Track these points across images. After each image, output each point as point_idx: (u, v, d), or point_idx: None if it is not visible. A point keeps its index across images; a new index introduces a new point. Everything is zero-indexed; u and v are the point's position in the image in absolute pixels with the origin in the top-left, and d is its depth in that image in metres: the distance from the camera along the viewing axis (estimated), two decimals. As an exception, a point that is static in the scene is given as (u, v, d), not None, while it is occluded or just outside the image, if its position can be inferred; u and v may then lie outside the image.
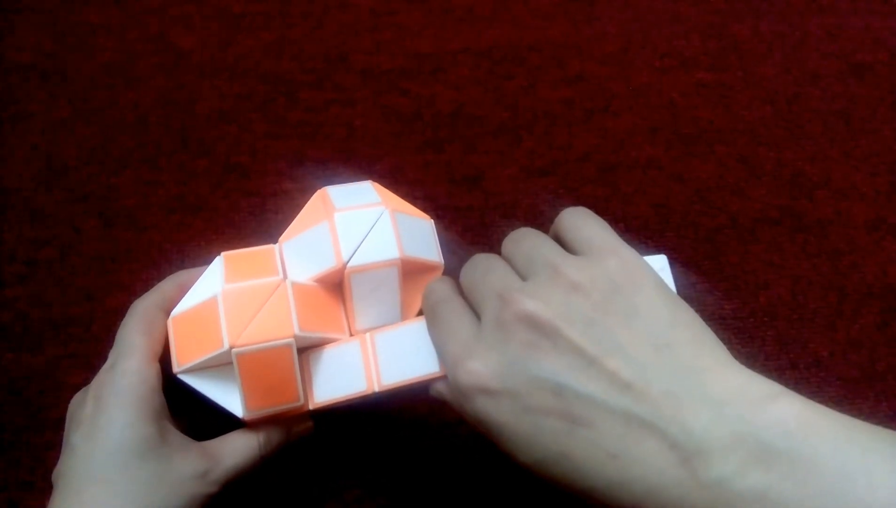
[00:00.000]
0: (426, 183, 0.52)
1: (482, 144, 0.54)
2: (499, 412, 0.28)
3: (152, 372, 0.33)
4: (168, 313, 0.35)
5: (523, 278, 0.30)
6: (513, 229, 0.34)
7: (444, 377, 0.32)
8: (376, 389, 0.34)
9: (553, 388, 0.27)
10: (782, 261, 0.50)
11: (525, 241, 0.32)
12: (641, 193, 0.52)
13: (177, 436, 0.33)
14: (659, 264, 0.34)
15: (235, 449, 0.34)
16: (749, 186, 0.54)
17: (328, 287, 0.36)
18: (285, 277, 0.35)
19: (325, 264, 0.35)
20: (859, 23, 0.63)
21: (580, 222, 0.32)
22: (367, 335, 0.35)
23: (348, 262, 0.35)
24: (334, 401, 0.35)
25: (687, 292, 0.48)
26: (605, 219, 0.33)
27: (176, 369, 0.34)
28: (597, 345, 0.27)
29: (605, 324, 0.28)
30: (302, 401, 0.34)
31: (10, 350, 0.44)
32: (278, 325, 0.34)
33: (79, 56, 0.57)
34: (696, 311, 0.29)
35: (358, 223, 0.36)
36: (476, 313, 0.31)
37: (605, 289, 0.28)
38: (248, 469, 0.34)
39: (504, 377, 0.28)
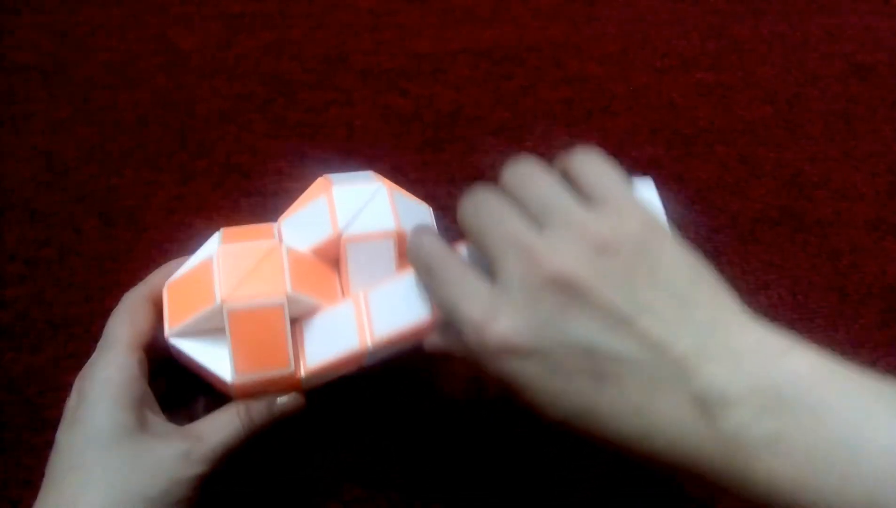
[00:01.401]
0: (426, 183, 0.52)
1: (482, 144, 0.54)
2: (528, 372, 0.28)
3: (133, 360, 0.33)
4: (156, 303, 0.35)
5: (540, 225, 0.30)
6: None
7: (435, 326, 0.32)
8: (369, 344, 0.34)
9: (585, 348, 0.27)
10: (782, 261, 0.50)
11: (537, 182, 0.31)
12: (641, 193, 0.52)
13: (159, 423, 0.33)
14: (646, 186, 0.34)
15: (217, 426, 0.34)
16: (749, 186, 0.54)
17: (326, 261, 0.36)
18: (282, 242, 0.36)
19: (322, 234, 0.35)
20: (859, 23, 0.63)
21: (597, 169, 0.31)
22: (361, 293, 0.35)
23: (344, 231, 0.35)
24: (326, 364, 0.34)
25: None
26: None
27: (167, 332, 0.34)
28: (627, 305, 0.27)
29: (633, 284, 0.28)
30: (292, 368, 0.34)
31: (10, 350, 0.44)
32: (271, 285, 0.33)
33: (79, 56, 0.57)
34: None
35: (356, 197, 0.36)
36: (483, 258, 0.31)
37: (631, 248, 0.28)
38: (233, 446, 0.34)
39: (535, 338, 0.28)
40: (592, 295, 0.27)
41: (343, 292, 0.36)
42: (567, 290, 0.27)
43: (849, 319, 0.48)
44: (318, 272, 0.36)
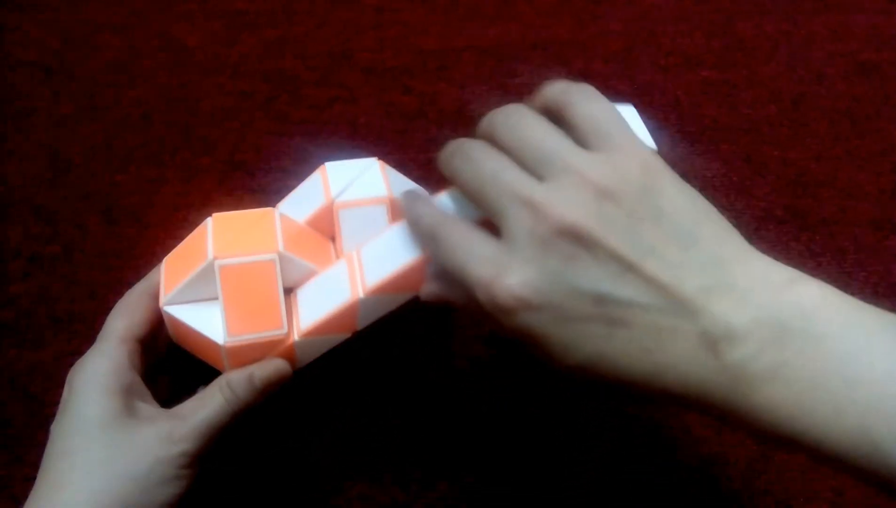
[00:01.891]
0: (430, 181, 0.52)
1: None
2: (540, 324, 0.28)
3: (122, 350, 0.34)
4: (155, 297, 0.36)
5: (537, 176, 0.29)
6: None
7: (426, 271, 0.33)
8: (361, 293, 0.33)
9: (594, 297, 0.27)
10: (787, 260, 0.49)
11: (527, 130, 0.30)
12: (645, 191, 0.52)
13: (147, 409, 0.33)
14: (628, 113, 0.33)
15: (199, 403, 0.34)
16: (754, 184, 0.53)
17: (321, 233, 0.37)
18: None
19: (316, 204, 0.36)
20: (865, 21, 0.63)
21: (595, 109, 0.31)
22: (354, 251, 0.35)
23: (336, 198, 0.35)
24: (320, 322, 0.34)
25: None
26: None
27: (162, 300, 0.34)
28: (633, 251, 0.27)
29: (638, 229, 0.28)
30: (285, 329, 0.34)
31: (14, 346, 0.44)
32: (264, 244, 0.34)
33: (83, 54, 0.57)
34: None
35: (349, 170, 0.37)
36: (468, 205, 0.30)
37: (633, 193, 0.28)
38: (217, 422, 0.33)
39: (545, 291, 0.28)
40: (599, 244, 0.27)
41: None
42: (574, 240, 0.28)
43: (853, 318, 0.48)
44: (312, 240, 0.36)
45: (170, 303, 0.34)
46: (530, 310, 0.28)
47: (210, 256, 0.33)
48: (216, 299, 0.33)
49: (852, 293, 0.48)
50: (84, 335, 0.45)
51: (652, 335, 0.27)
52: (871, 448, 0.25)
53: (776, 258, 0.49)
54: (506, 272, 0.28)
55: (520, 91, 0.57)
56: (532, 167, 0.30)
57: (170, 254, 0.36)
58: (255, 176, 0.52)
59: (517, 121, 0.31)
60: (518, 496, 0.41)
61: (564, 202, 0.28)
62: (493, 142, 0.31)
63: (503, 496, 0.41)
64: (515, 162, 0.30)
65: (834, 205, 0.53)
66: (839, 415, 0.25)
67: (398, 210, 0.36)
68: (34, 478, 0.41)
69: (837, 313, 0.26)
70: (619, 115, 0.31)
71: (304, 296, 0.35)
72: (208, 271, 0.33)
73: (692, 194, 0.30)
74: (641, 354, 0.27)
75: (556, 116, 0.31)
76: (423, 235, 0.32)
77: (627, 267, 0.27)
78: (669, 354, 0.27)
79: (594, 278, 0.27)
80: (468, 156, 0.31)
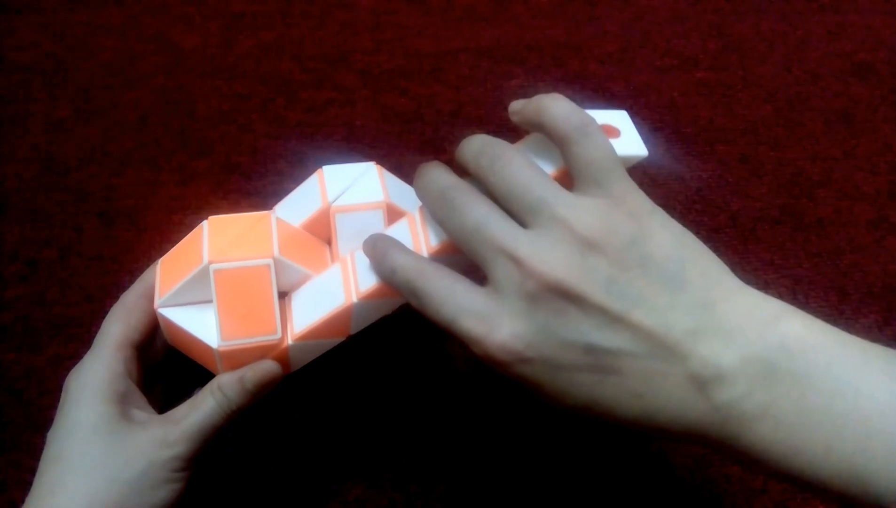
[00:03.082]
0: (426, 183, 0.52)
1: (482, 143, 0.54)
2: (533, 374, 0.29)
3: (118, 357, 0.34)
4: (151, 299, 0.35)
5: (523, 222, 0.30)
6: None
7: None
8: (354, 299, 0.33)
9: (583, 347, 0.28)
10: (783, 260, 0.50)
11: (515, 175, 0.30)
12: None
13: (141, 414, 0.34)
14: (621, 119, 0.33)
15: (190, 407, 0.34)
16: (750, 185, 0.54)
17: (318, 237, 0.37)
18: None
19: (312, 208, 0.36)
20: (860, 22, 0.63)
21: (590, 151, 0.30)
22: (349, 255, 0.35)
23: (333, 202, 0.35)
24: (313, 326, 0.34)
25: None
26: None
27: (156, 303, 0.34)
28: (619, 303, 0.28)
29: (625, 279, 0.28)
30: (279, 334, 0.34)
31: (10, 350, 0.44)
32: (259, 249, 0.34)
33: (79, 56, 0.57)
34: None
35: (346, 174, 0.37)
36: (471, 258, 0.30)
37: (620, 243, 0.29)
38: (210, 424, 0.33)
39: (536, 344, 0.28)
40: (585, 298, 0.28)
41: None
42: (560, 295, 0.28)
43: (849, 318, 0.48)
44: (308, 244, 0.36)
45: (164, 305, 0.34)
46: (523, 363, 0.28)
47: (205, 260, 0.33)
48: (211, 302, 0.33)
49: (848, 294, 0.49)
50: (80, 338, 0.45)
51: (642, 380, 0.28)
52: (860, 485, 0.25)
53: (772, 259, 0.50)
54: (496, 328, 0.28)
55: (515, 93, 0.57)
56: (517, 213, 0.30)
57: (165, 255, 0.36)
58: (252, 179, 0.52)
59: (504, 166, 0.31)
60: (517, 496, 0.41)
61: (550, 257, 0.28)
62: (478, 178, 0.31)
63: (502, 497, 0.41)
64: (501, 206, 0.30)
65: (830, 205, 0.53)
66: (828, 454, 0.25)
67: (395, 215, 0.36)
68: (30, 483, 0.41)
69: (822, 350, 0.27)
70: (612, 155, 0.31)
71: (298, 300, 0.35)
72: (203, 275, 0.33)
73: (680, 235, 0.30)
74: (633, 399, 0.28)
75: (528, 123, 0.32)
76: (401, 288, 0.31)
77: (614, 319, 0.28)
78: (660, 397, 0.27)
79: (582, 330, 0.28)
80: (452, 204, 0.31)
